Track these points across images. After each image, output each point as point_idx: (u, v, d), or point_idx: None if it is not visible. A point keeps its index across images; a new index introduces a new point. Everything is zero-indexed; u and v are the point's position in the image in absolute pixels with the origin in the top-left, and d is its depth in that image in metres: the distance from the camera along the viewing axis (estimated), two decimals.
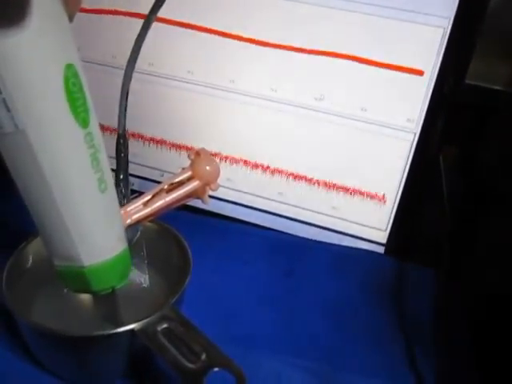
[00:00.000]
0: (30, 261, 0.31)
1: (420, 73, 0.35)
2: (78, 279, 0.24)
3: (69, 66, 0.19)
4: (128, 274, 0.26)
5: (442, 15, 0.34)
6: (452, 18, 0.34)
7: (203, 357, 0.25)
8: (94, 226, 0.23)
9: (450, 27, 0.34)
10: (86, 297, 0.26)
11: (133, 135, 0.43)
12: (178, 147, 0.43)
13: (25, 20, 0.18)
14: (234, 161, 0.42)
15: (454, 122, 0.37)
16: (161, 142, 0.43)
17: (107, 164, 0.22)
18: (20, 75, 0.18)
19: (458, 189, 0.42)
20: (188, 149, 0.43)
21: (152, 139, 0.44)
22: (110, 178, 0.23)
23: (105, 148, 0.22)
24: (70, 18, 0.20)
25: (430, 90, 0.36)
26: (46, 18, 0.18)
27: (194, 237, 0.32)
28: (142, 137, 0.44)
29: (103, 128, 0.42)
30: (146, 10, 0.26)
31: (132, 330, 0.26)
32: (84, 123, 0.20)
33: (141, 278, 0.30)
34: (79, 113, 0.20)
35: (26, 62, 0.18)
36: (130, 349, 0.27)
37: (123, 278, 0.25)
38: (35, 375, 0.29)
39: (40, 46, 0.18)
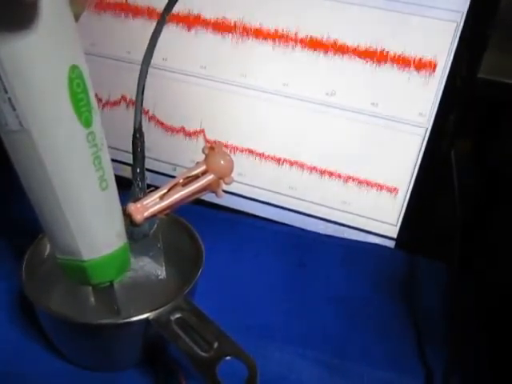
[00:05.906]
0: (49, 250, 0.31)
1: (432, 67, 0.35)
2: (77, 272, 0.24)
3: (73, 68, 0.20)
4: (126, 268, 0.26)
5: (454, 9, 0.34)
6: (465, 12, 0.34)
7: (215, 346, 0.25)
8: (94, 223, 0.23)
9: (462, 21, 0.34)
10: None
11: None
12: (191, 139, 0.44)
13: (34, 23, 0.18)
14: (246, 155, 0.42)
15: (467, 117, 0.37)
16: (175, 136, 0.44)
17: (109, 162, 0.23)
18: (26, 76, 0.19)
19: (470, 183, 0.42)
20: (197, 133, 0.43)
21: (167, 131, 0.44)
22: (111, 177, 0.23)
23: (107, 148, 0.23)
24: (76, 18, 0.20)
25: (443, 85, 0.36)
26: (53, 21, 0.19)
27: (206, 230, 0.32)
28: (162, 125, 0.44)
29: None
30: (160, 8, 0.26)
31: (147, 319, 0.26)
32: (87, 123, 0.21)
33: (157, 270, 0.31)
34: (82, 112, 0.21)
35: (33, 63, 0.19)
36: (144, 337, 0.28)
37: (121, 272, 0.26)
38: (52, 362, 0.30)
39: (47, 48, 0.19)
